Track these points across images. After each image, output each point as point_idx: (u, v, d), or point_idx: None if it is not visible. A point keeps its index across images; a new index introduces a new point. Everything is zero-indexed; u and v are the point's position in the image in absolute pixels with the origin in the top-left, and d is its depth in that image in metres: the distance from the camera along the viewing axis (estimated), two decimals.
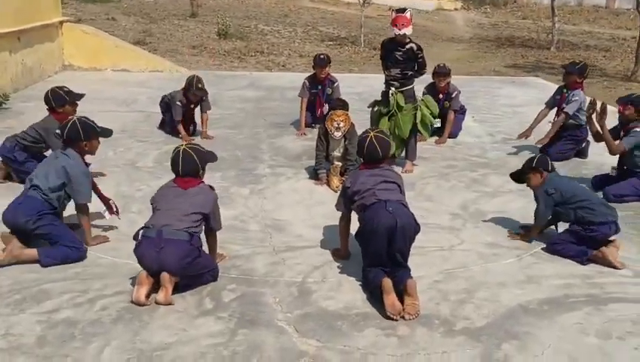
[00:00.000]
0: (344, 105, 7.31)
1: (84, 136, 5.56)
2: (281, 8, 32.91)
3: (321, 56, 9.33)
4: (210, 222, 4.98)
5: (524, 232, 6.02)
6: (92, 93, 11.56)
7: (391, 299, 4.60)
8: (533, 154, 8.17)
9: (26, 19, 11.66)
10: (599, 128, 6.92)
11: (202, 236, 5.06)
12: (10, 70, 11.23)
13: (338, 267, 5.33)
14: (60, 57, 13.59)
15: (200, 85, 8.73)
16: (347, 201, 5.19)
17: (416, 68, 7.65)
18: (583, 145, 8.53)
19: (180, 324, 4.40)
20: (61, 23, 13.53)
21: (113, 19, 25.73)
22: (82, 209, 5.51)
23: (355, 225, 5.16)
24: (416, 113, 7.66)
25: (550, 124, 8.57)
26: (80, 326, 4.31)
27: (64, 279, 4.94)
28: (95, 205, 5.73)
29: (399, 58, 7.55)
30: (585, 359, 4.18)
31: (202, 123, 9.01)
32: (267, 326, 4.42)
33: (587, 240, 5.51)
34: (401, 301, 4.62)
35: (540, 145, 8.42)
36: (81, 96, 7.16)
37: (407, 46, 7.54)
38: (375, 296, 4.73)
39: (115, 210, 5.88)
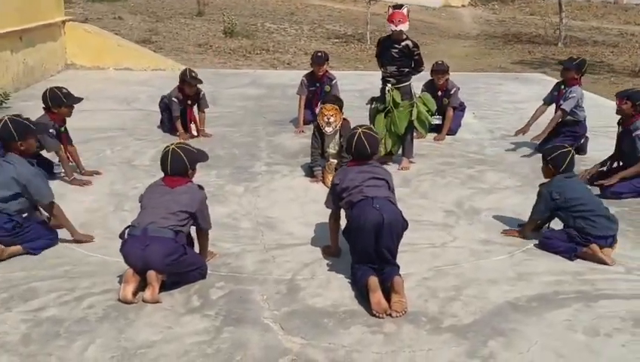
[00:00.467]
0: (335, 100, 7.29)
1: (18, 136, 5.37)
2: (287, 6, 32.86)
3: (319, 54, 9.33)
4: (198, 221, 4.97)
5: (518, 230, 5.97)
6: (94, 92, 11.68)
7: (376, 296, 4.58)
8: (531, 151, 8.25)
9: (27, 18, 11.71)
10: (620, 177, 6.91)
11: (194, 234, 5.08)
12: (12, 69, 11.27)
13: (328, 264, 5.31)
14: (62, 56, 13.64)
15: (193, 74, 8.73)
16: (336, 198, 5.17)
17: (412, 65, 7.61)
18: (582, 141, 8.47)
19: (165, 322, 4.40)
20: (64, 22, 13.56)
21: (120, 18, 25.79)
22: (50, 208, 5.47)
23: (345, 222, 5.14)
24: (412, 110, 7.62)
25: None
26: (65, 325, 4.32)
27: (52, 277, 4.96)
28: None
29: (395, 55, 7.53)
30: (571, 356, 4.15)
31: (200, 122, 9.01)
32: (253, 324, 4.41)
33: (579, 244, 5.46)
34: (389, 298, 4.61)
35: (536, 141, 8.36)
36: (79, 100, 7.14)
37: (403, 43, 7.51)
38: (363, 294, 4.72)
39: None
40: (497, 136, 9.38)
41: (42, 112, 7.06)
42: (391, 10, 7.48)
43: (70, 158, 7.22)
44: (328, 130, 7.22)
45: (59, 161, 7.06)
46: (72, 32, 13.73)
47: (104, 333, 4.23)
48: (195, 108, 9.04)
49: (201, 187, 5.11)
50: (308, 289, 4.92)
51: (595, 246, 5.39)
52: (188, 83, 8.71)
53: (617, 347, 4.26)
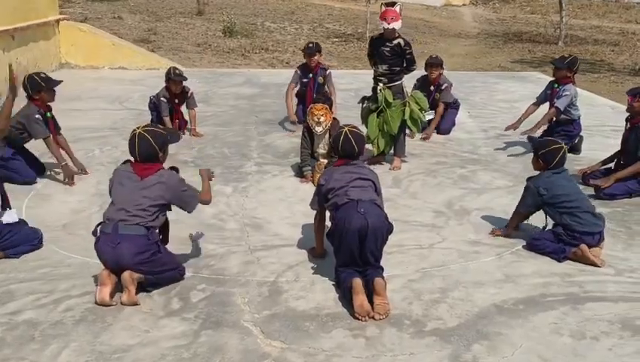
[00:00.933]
0: (325, 100, 7.21)
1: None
2: (288, 5, 32.80)
3: (310, 45, 9.30)
4: (181, 207, 4.86)
5: (502, 229, 5.87)
6: (86, 91, 11.64)
7: (359, 299, 4.49)
8: (524, 150, 8.15)
9: (20, 17, 11.63)
10: (615, 179, 6.82)
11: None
12: (4, 69, 11.16)
13: (312, 266, 5.23)
14: (56, 56, 13.55)
15: (177, 71, 8.68)
16: (321, 199, 5.07)
17: (405, 64, 7.52)
18: (576, 140, 8.36)
19: (143, 325, 4.32)
20: (58, 21, 13.47)
21: (119, 18, 25.76)
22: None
23: (330, 223, 5.05)
24: (404, 109, 7.53)
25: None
26: (41, 328, 4.24)
27: (31, 279, 4.88)
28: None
29: (387, 54, 7.44)
30: (556, 360, 4.06)
31: (191, 120, 8.94)
32: (232, 328, 4.32)
33: (567, 243, 5.37)
34: (372, 300, 4.52)
35: (525, 135, 8.26)
36: (58, 82, 7.02)
37: (395, 42, 7.43)
38: (347, 296, 4.63)
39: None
40: (491, 136, 9.28)
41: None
42: (383, 7, 7.37)
43: (60, 147, 7.13)
44: (318, 129, 7.14)
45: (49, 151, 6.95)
46: (66, 31, 13.64)
47: (79, 337, 4.15)
48: (185, 107, 8.95)
49: (174, 169, 4.90)
50: (291, 292, 4.83)
51: (584, 247, 5.29)
52: (173, 80, 8.64)
53: (604, 351, 4.17)
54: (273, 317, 4.46)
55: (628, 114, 7.12)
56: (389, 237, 4.85)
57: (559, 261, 5.36)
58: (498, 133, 9.33)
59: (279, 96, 11.37)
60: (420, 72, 9.21)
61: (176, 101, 8.82)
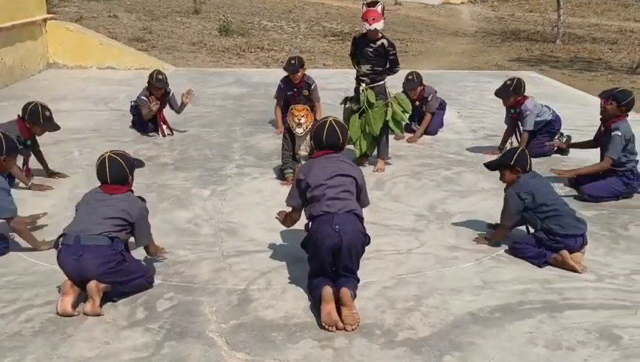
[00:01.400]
0: (306, 101, 7.07)
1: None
2: (285, 4, 32.66)
3: (292, 62, 8.78)
4: (135, 234, 4.74)
5: (491, 234, 5.72)
6: (72, 92, 11.51)
7: (328, 308, 4.35)
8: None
9: (5, 16, 11.49)
10: (575, 175, 6.71)
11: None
12: None
13: (285, 272, 5.09)
14: (44, 55, 13.41)
15: (160, 77, 8.55)
16: (301, 193, 4.77)
17: (388, 65, 7.37)
18: (564, 138, 8.16)
19: (104, 337, 4.18)
20: (45, 20, 13.33)
21: (115, 17, 25.66)
22: (10, 223, 5.22)
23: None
24: (387, 110, 7.38)
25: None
26: None
27: None
28: None
29: (370, 54, 7.29)
30: None
31: (181, 106, 8.98)
32: (197, 338, 4.19)
33: (549, 247, 5.23)
34: (341, 311, 4.38)
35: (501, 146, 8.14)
36: (55, 128, 6.89)
37: (379, 42, 7.27)
38: (317, 305, 4.49)
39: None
40: (480, 136, 9.13)
41: (15, 117, 6.81)
42: (365, 7, 7.21)
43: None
44: (299, 131, 7.00)
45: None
46: (53, 31, 13.49)
47: (37, 349, 4.02)
48: (168, 108, 8.84)
49: (142, 199, 4.88)
50: (261, 300, 4.69)
51: (565, 253, 5.15)
52: (154, 85, 8.50)
53: (579, 361, 4.03)
54: (240, 327, 4.33)
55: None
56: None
57: (539, 266, 5.22)
58: (487, 134, 9.20)
59: (267, 96, 11.24)
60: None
61: (158, 103, 8.68)
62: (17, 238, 5.37)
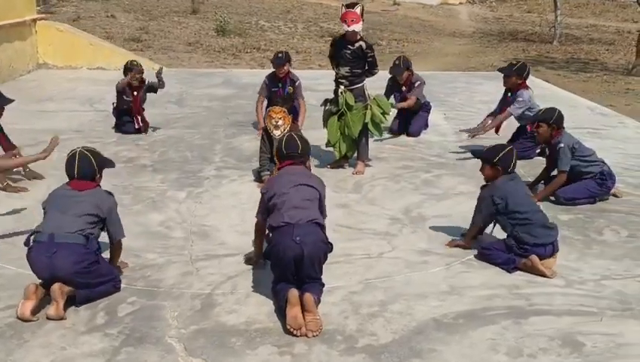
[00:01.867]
0: (284, 103, 7.03)
1: None
2: (284, 4, 32.64)
3: (279, 55, 8.96)
4: (108, 228, 4.72)
5: (462, 240, 5.68)
6: (60, 92, 11.50)
7: (294, 312, 4.31)
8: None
9: None
10: (541, 198, 6.62)
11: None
12: None
13: (252, 277, 5.05)
14: (33, 56, 13.39)
15: (135, 62, 8.70)
16: (264, 208, 4.84)
17: (366, 67, 7.34)
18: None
19: (61, 342, 4.14)
20: (34, 20, 13.30)
21: (112, 17, 25.67)
22: None
23: None
24: (366, 112, 7.34)
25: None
26: None
27: None
28: None
29: (348, 56, 7.26)
30: None
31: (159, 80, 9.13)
32: (155, 344, 4.15)
33: (518, 254, 5.18)
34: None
35: (469, 134, 8.23)
36: (8, 101, 6.84)
37: (357, 44, 7.24)
38: (282, 310, 4.45)
39: None
40: (464, 138, 9.03)
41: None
42: (344, 9, 7.17)
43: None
44: (276, 133, 6.95)
45: None
46: (43, 31, 13.48)
47: None
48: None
49: (109, 193, 4.86)
50: (224, 305, 4.65)
51: (534, 258, 5.10)
52: (129, 70, 8.71)
53: None
54: (199, 333, 4.29)
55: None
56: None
57: (509, 272, 5.17)
58: (471, 136, 9.11)
59: (255, 97, 11.13)
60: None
61: (135, 93, 8.75)
62: None
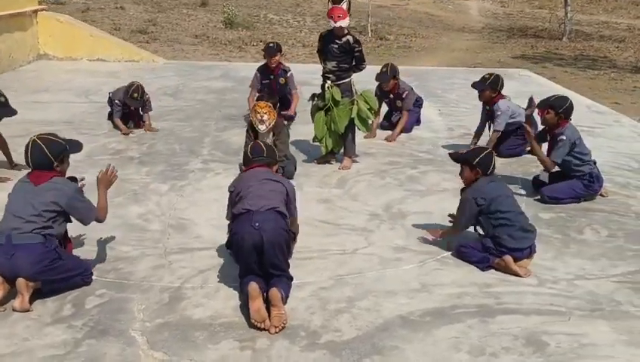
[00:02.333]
0: (269, 98, 7.03)
1: None
2: None
3: (271, 45, 9.00)
4: (76, 218, 4.70)
5: (447, 228, 5.64)
6: (57, 83, 11.53)
7: (256, 305, 4.31)
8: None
9: None
10: (534, 146, 6.58)
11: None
12: None
13: (224, 271, 5.04)
14: (34, 46, 13.43)
15: (135, 95, 8.48)
16: (233, 204, 4.84)
17: (354, 62, 7.31)
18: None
19: (25, 333, 4.17)
20: (35, 11, 13.33)
21: (121, 8, 25.74)
22: None
23: None
24: (352, 108, 7.31)
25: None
26: None
27: None
28: None
29: (335, 51, 7.23)
30: None
31: (145, 120, 8.81)
32: (117, 337, 4.17)
33: (495, 255, 5.15)
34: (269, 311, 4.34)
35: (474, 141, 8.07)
36: (12, 113, 6.91)
37: (344, 39, 7.21)
38: (246, 303, 4.44)
39: None
40: (456, 135, 9.03)
41: None
42: (330, 5, 7.14)
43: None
44: (262, 128, 6.94)
45: None
46: (44, 22, 13.51)
47: None
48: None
49: (73, 179, 4.77)
50: (192, 299, 4.66)
51: (508, 258, 5.07)
52: (129, 100, 8.54)
53: None
54: (163, 326, 4.30)
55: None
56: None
57: (482, 270, 5.15)
58: (463, 133, 9.09)
59: None
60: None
61: (132, 108, 8.72)
62: None
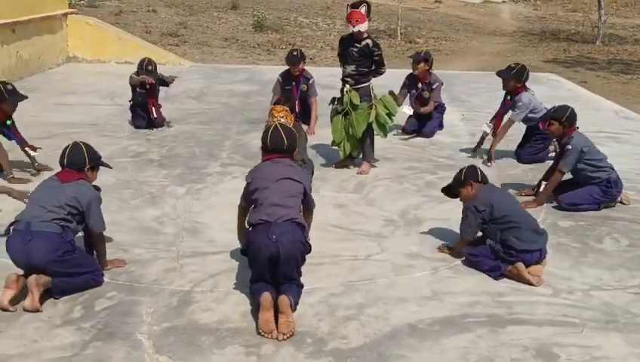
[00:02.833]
0: (286, 102, 7.02)
1: None
2: (324, 0, 32.56)
3: (294, 53, 8.96)
4: (87, 220, 4.76)
5: (450, 248, 5.59)
6: (84, 86, 11.66)
7: (265, 316, 4.29)
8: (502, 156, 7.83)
9: (21, 10, 11.69)
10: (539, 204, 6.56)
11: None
12: (3, 61, 11.25)
13: (235, 275, 5.04)
14: (63, 49, 13.61)
15: (150, 67, 8.69)
16: (248, 196, 4.79)
17: (373, 66, 7.27)
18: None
19: (35, 335, 4.21)
20: (65, 14, 13.50)
21: (154, 11, 25.97)
22: None
23: None
24: (370, 112, 7.27)
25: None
26: None
27: None
28: None
29: (355, 54, 7.20)
30: None
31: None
32: (124, 340, 4.18)
33: (504, 260, 5.08)
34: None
35: (491, 151, 7.97)
36: (23, 97, 6.94)
37: (363, 42, 7.18)
38: (257, 311, 4.43)
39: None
40: (477, 140, 8.90)
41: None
42: (349, 9, 7.13)
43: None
44: None
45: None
46: (73, 25, 13.69)
47: None
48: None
49: (97, 188, 4.92)
50: (202, 303, 4.67)
51: (520, 266, 5.00)
52: (145, 74, 8.73)
53: None
54: (170, 330, 4.31)
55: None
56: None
57: (495, 279, 5.07)
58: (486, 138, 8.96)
59: None
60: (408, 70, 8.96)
61: (148, 87, 8.82)
62: None
